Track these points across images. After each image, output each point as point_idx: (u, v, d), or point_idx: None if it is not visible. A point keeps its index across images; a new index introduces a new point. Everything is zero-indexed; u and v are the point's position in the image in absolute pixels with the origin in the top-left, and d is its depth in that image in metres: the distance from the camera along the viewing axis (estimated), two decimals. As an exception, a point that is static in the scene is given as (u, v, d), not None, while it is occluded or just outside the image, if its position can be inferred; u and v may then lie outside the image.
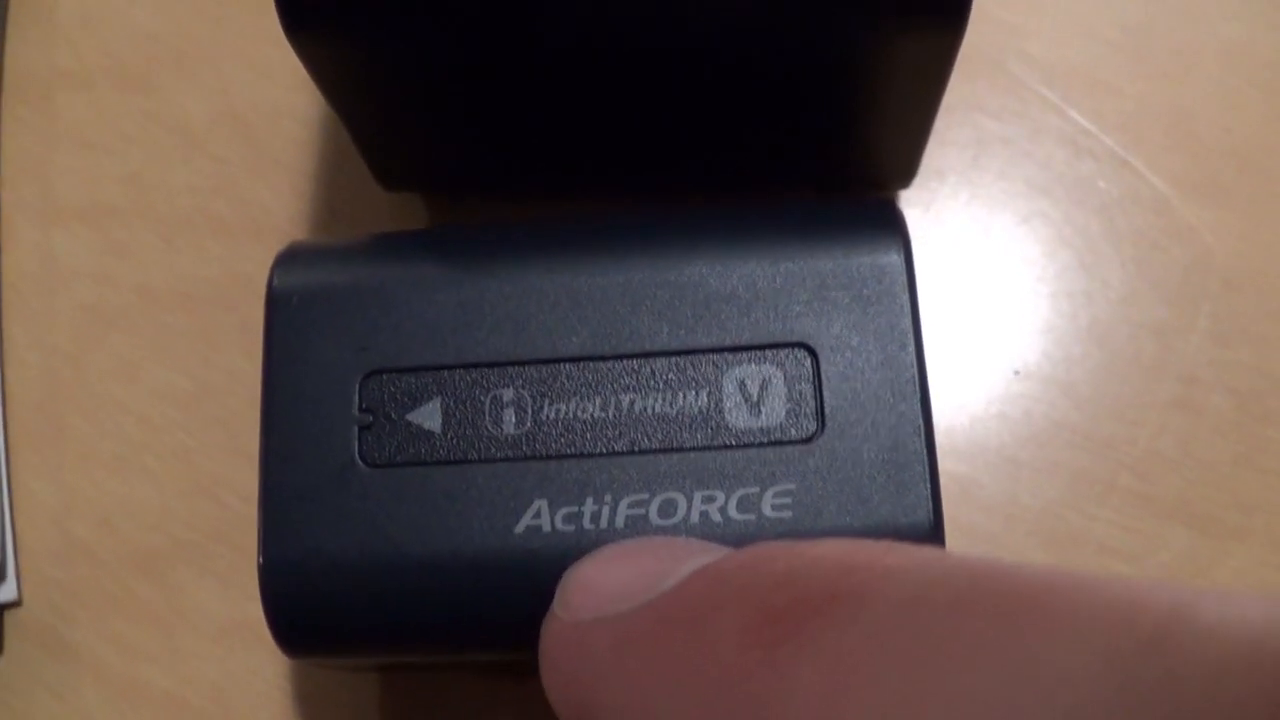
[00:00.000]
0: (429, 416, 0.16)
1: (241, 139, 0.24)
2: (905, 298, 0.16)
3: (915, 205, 0.23)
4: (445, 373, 0.16)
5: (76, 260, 0.24)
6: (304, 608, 0.16)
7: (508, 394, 0.16)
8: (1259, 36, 0.24)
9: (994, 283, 0.23)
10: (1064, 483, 0.22)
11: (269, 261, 0.23)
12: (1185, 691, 0.08)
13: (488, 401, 0.16)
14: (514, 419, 0.16)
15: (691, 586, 0.12)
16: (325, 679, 0.21)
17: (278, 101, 0.24)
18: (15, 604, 0.22)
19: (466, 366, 0.16)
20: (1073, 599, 0.09)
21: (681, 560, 0.13)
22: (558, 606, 0.13)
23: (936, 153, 0.23)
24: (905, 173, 0.22)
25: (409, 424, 0.16)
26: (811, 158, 0.21)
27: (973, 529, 0.22)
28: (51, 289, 0.24)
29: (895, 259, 0.17)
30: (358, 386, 0.16)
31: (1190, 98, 0.24)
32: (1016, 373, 0.22)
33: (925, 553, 0.11)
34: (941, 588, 0.10)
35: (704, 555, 0.13)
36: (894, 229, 0.17)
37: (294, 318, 0.17)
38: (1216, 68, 0.24)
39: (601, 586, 0.13)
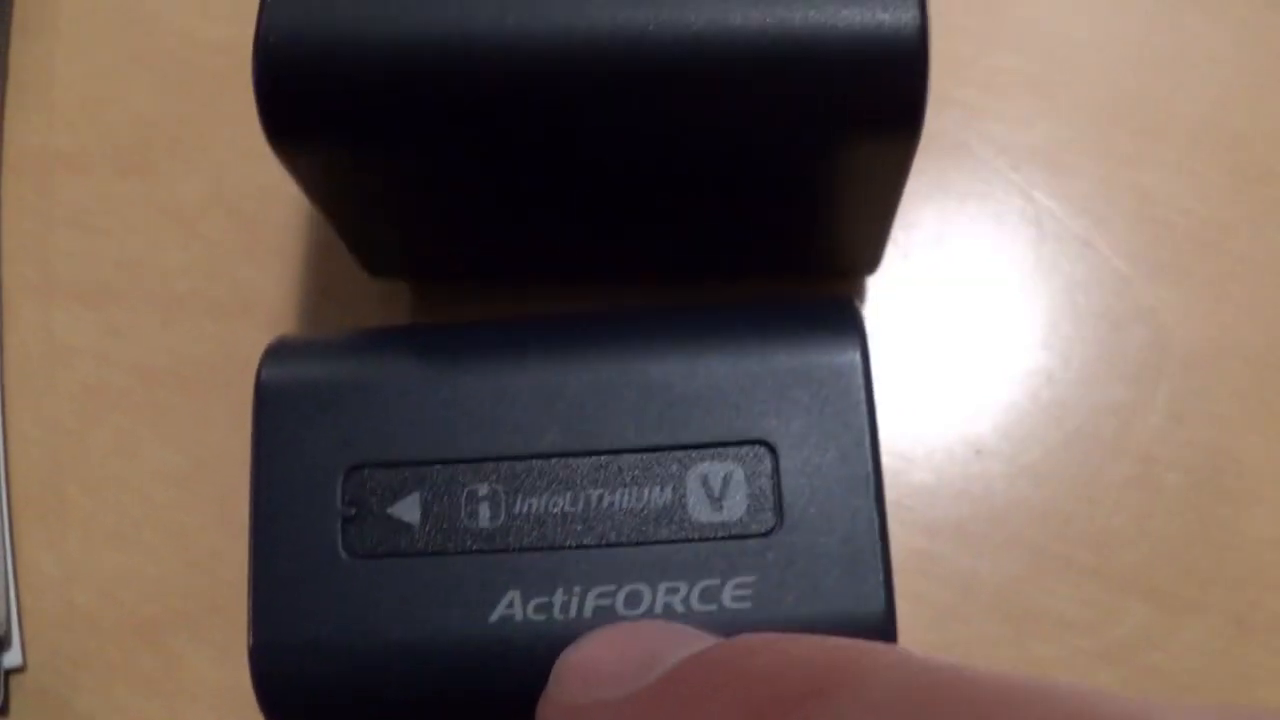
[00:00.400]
0: (408, 510, 0.17)
1: (234, 223, 0.25)
2: (861, 395, 0.17)
3: (880, 287, 0.24)
4: (424, 468, 0.17)
5: (77, 339, 0.24)
6: (292, 689, 0.17)
7: (483, 489, 0.17)
8: (1223, 116, 0.25)
9: (958, 362, 0.23)
10: (1023, 557, 0.22)
11: (261, 341, 0.24)
12: None
13: (464, 496, 0.17)
14: (489, 513, 0.17)
15: (678, 674, 0.12)
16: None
17: (269, 186, 0.25)
18: (20, 669, 0.23)
19: (444, 462, 0.17)
20: (1029, 712, 0.09)
21: (672, 647, 0.13)
22: (553, 689, 0.14)
23: (901, 235, 0.24)
24: (871, 260, 0.22)
25: (389, 517, 0.17)
26: (781, 249, 0.22)
27: (933, 602, 0.22)
28: (53, 368, 0.24)
29: (853, 358, 0.17)
30: (341, 480, 0.17)
31: (1152, 178, 0.24)
32: (978, 452, 0.23)
33: (896, 655, 0.11)
34: (910, 692, 0.10)
35: (693, 643, 0.13)
36: (851, 329, 0.17)
37: (281, 411, 0.17)
38: (1179, 148, 0.25)
39: (596, 670, 0.13)
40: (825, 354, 0.17)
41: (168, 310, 0.24)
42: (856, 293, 0.24)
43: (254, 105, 0.23)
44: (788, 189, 0.20)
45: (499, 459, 0.17)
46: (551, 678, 0.14)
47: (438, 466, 0.17)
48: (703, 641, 0.13)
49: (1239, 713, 0.10)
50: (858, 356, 0.17)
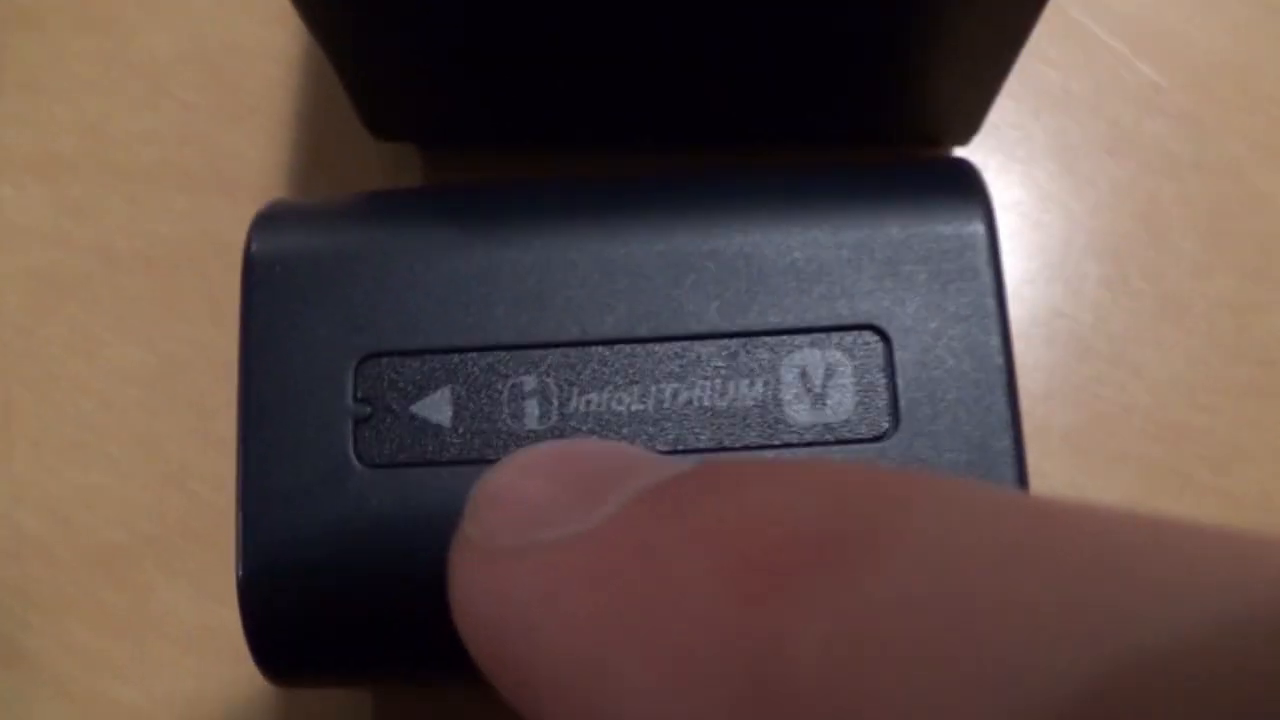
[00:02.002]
0: (437, 408, 0.14)
1: (212, 82, 0.21)
2: (989, 273, 0.14)
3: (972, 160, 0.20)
4: (456, 356, 0.14)
5: (26, 219, 0.20)
6: (290, 628, 0.14)
7: (530, 382, 0.14)
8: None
9: (1054, 252, 0.20)
10: (1135, 475, 0.19)
11: (244, 220, 0.20)
12: None
13: (506, 391, 0.14)
14: (537, 411, 0.14)
15: (642, 512, 0.09)
16: (312, 693, 0.18)
17: (253, 39, 0.21)
18: (-41, 607, 0.19)
19: (481, 349, 0.14)
20: (1172, 556, 0.07)
21: (622, 474, 0.10)
22: (469, 526, 0.10)
23: (995, 105, 0.20)
24: (967, 129, 0.19)
25: (413, 416, 0.14)
26: (865, 107, 0.18)
27: (1034, 527, 0.19)
28: None
29: (977, 228, 0.14)
30: (353, 372, 0.14)
31: (1268, 52, 0.21)
32: (1084, 351, 0.19)
33: (939, 481, 0.08)
34: (980, 528, 0.07)
35: (650, 470, 0.10)
36: (974, 193, 0.14)
37: (277, 289, 0.14)
38: (1297, 17, 0.21)
39: (523, 502, 0.10)
40: (946, 222, 0.14)
41: (132, 183, 0.20)
42: (944, 167, 0.20)
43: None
44: (895, 29, 0.16)
45: (549, 345, 0.14)
46: (466, 513, 0.10)
47: (472, 354, 0.14)
48: (659, 470, 0.10)
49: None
50: (983, 226, 0.14)
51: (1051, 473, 0.19)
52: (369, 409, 0.14)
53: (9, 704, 0.19)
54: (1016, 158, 0.20)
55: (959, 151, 0.20)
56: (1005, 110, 0.20)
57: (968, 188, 0.14)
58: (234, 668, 0.19)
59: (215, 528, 0.19)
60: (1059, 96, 0.20)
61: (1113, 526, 0.07)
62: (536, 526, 0.10)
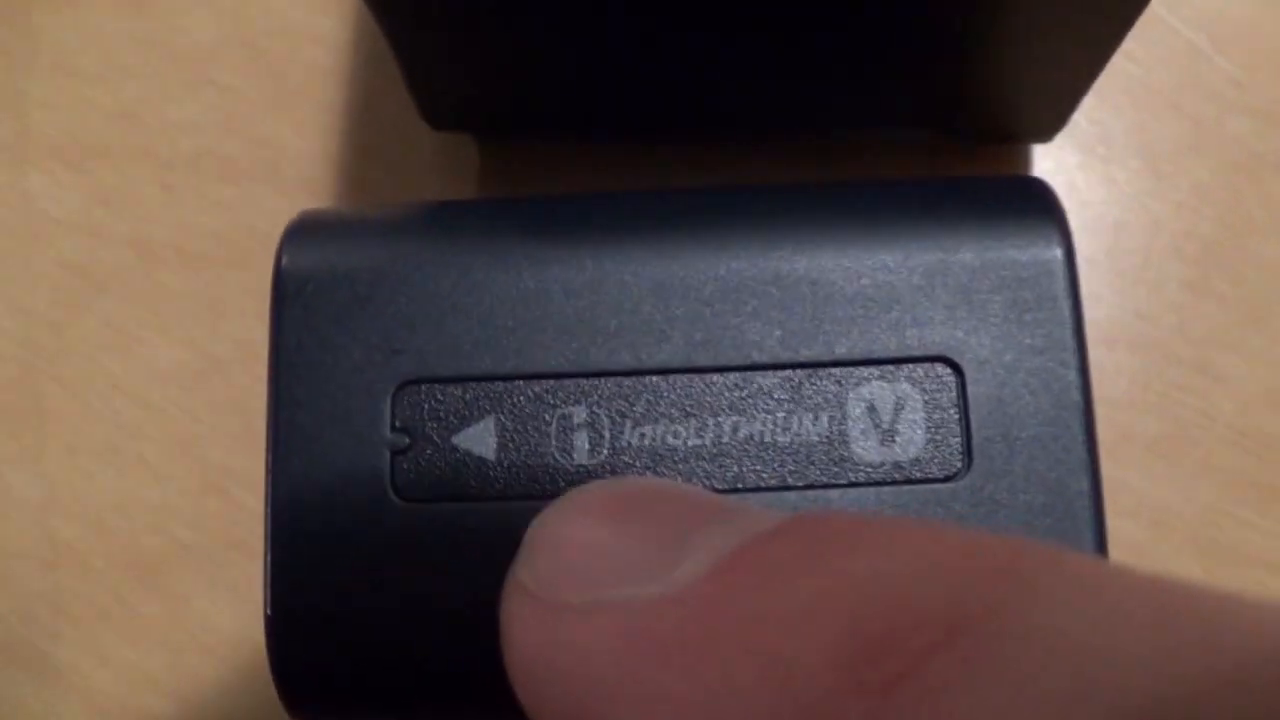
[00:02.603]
0: (480, 440, 0.13)
1: (255, 67, 0.20)
2: (1068, 302, 0.13)
3: (1047, 160, 0.19)
4: (501, 384, 0.13)
5: (58, 209, 0.20)
6: (319, 670, 0.13)
7: (579, 413, 0.13)
8: None
9: (1135, 254, 0.19)
10: (1218, 485, 0.18)
11: (288, 213, 0.19)
12: None
13: (555, 422, 0.13)
14: (587, 445, 0.13)
15: (739, 575, 0.08)
16: None
17: (299, 23, 0.20)
18: (-12, 617, 0.18)
19: (529, 377, 0.13)
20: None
21: (699, 523, 0.09)
22: (524, 573, 0.09)
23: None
24: (1052, 126, 0.18)
25: (455, 448, 0.13)
26: (947, 100, 0.17)
27: (1117, 537, 0.18)
28: (29, 244, 0.20)
29: (1055, 253, 0.13)
30: (390, 399, 0.13)
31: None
32: (1164, 355, 0.19)
33: (1076, 560, 0.08)
34: (1123, 613, 0.07)
35: (730, 518, 0.09)
36: (1051, 215, 0.13)
37: (309, 308, 0.13)
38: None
39: (586, 550, 0.09)
40: (1022, 247, 0.13)
41: (171, 173, 0.20)
42: (1021, 161, 0.19)
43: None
44: (984, 24, 0.15)
45: (600, 374, 0.13)
46: (521, 557, 0.10)
47: (519, 383, 0.13)
48: (748, 519, 0.09)
49: None
50: (1060, 251, 0.13)
51: (1133, 484, 0.18)
52: (407, 439, 0.13)
53: (39, 717, 0.18)
54: (1096, 155, 0.19)
55: (1040, 149, 0.19)
56: (1083, 106, 0.19)
57: (1043, 209, 0.14)
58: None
59: (256, 535, 0.18)
60: (1139, 93, 0.20)
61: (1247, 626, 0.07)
62: (605, 580, 0.09)
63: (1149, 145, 0.19)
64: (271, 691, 0.18)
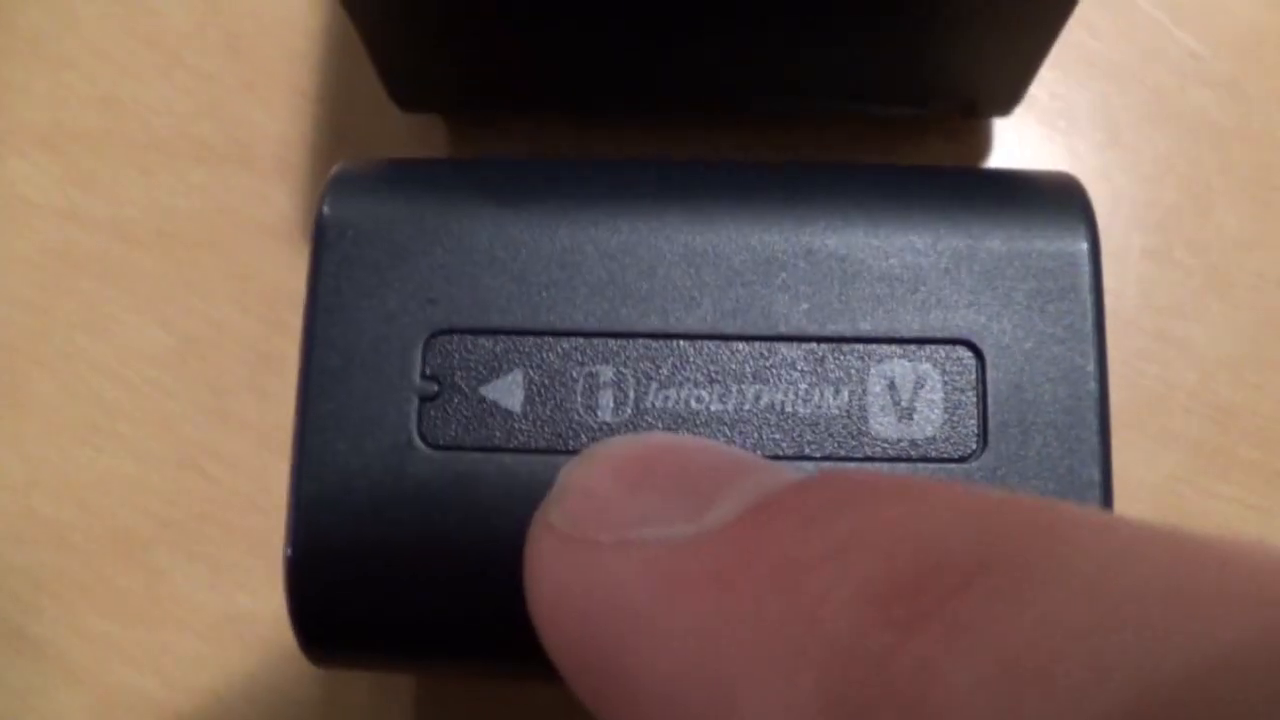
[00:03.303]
0: (508, 392, 0.13)
1: (230, 52, 0.20)
2: (1091, 295, 0.13)
3: (1009, 132, 0.19)
4: (532, 339, 0.13)
5: (36, 193, 0.20)
6: (337, 610, 0.13)
7: (606, 372, 0.13)
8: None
9: (1099, 223, 0.19)
10: (1180, 454, 0.18)
11: (262, 194, 0.19)
12: None
13: (581, 379, 0.13)
14: (611, 404, 0.13)
15: (775, 519, 0.09)
16: (332, 682, 0.18)
17: (271, 8, 0.20)
18: (-31, 593, 0.18)
19: (559, 334, 0.13)
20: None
21: (730, 476, 0.09)
22: (554, 514, 0.10)
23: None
24: (1009, 99, 0.18)
25: (483, 399, 0.13)
26: (907, 73, 0.17)
27: (1079, 507, 0.18)
28: (8, 227, 0.20)
29: (1081, 246, 0.14)
30: (422, 347, 0.13)
31: (1313, 17, 0.20)
32: (1125, 325, 0.19)
33: (1096, 513, 0.08)
34: (1129, 560, 0.07)
35: (759, 473, 0.09)
36: (1080, 210, 0.14)
37: (348, 256, 0.13)
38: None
39: (621, 500, 0.10)
40: (1049, 239, 0.14)
41: (147, 156, 0.20)
42: (983, 135, 0.19)
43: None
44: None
45: (630, 335, 0.13)
46: (551, 498, 0.10)
47: (549, 339, 0.13)
48: (778, 474, 0.09)
49: None
50: (1086, 245, 0.14)
51: None
52: (436, 387, 0.13)
53: (21, 694, 0.18)
54: (1058, 128, 0.19)
55: (1004, 123, 0.19)
56: (1046, 80, 0.19)
57: (1072, 204, 0.14)
58: (255, 657, 0.18)
59: (234, 512, 0.18)
60: (1101, 66, 0.20)
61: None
62: (636, 521, 0.09)
63: (1111, 117, 0.20)
64: (249, 663, 0.18)
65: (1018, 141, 0.19)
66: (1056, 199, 0.14)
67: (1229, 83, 0.20)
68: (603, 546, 0.09)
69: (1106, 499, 0.13)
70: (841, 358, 0.13)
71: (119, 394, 0.19)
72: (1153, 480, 0.18)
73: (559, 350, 0.13)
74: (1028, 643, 0.07)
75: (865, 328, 0.13)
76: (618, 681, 0.09)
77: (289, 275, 0.19)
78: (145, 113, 0.20)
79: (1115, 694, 0.06)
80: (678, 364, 0.13)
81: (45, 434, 0.19)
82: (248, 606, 0.18)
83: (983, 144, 0.19)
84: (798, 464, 0.13)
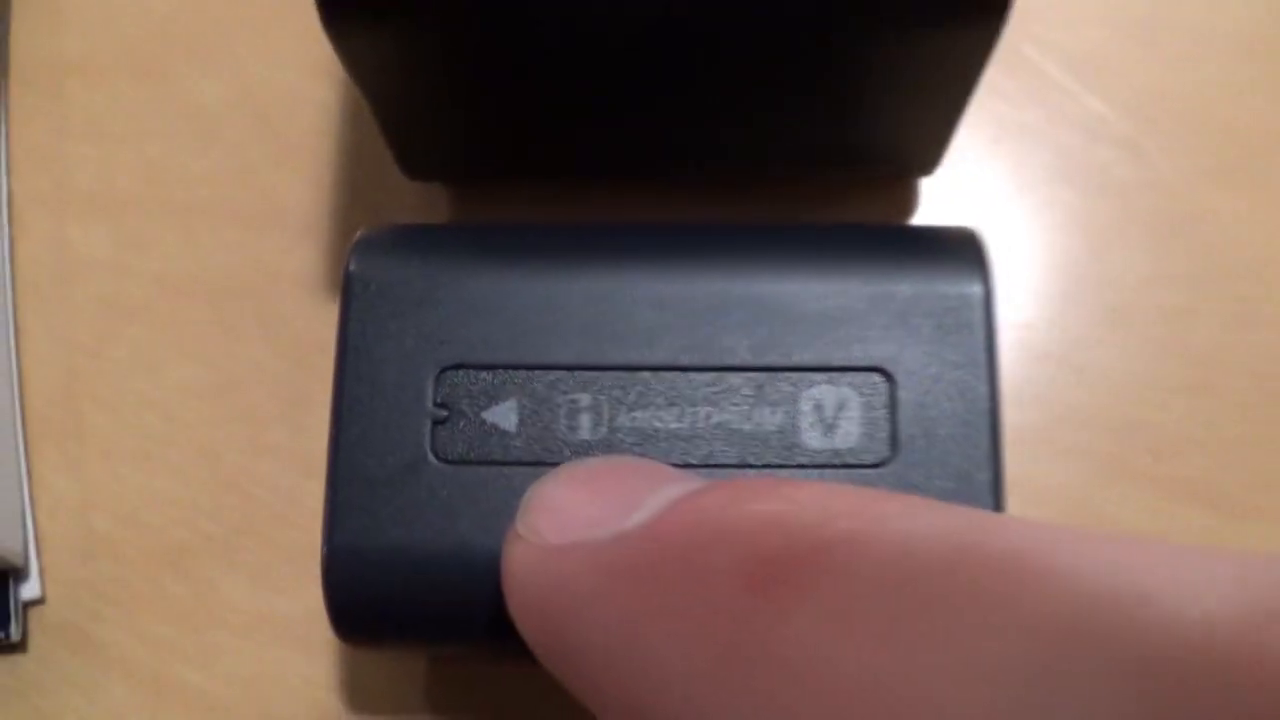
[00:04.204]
0: (504, 416, 0.15)
1: (259, 126, 0.22)
2: (984, 330, 0.16)
3: (936, 190, 0.22)
4: (523, 373, 0.16)
5: (92, 252, 0.22)
6: (365, 597, 0.15)
7: (585, 399, 0.15)
8: (1271, 21, 0.23)
9: (1013, 267, 0.22)
10: (1085, 465, 0.21)
11: (288, 251, 0.22)
12: (1172, 685, 0.07)
13: (564, 405, 0.15)
14: (589, 424, 0.15)
15: (676, 518, 0.11)
16: (360, 672, 0.20)
17: (295, 88, 0.22)
18: (39, 601, 0.21)
19: (545, 368, 0.16)
20: (1057, 563, 0.08)
21: (650, 487, 0.12)
22: (521, 527, 0.12)
23: (956, 136, 0.22)
24: (931, 160, 0.20)
25: (484, 422, 0.15)
26: (842, 142, 0.20)
27: (999, 512, 0.21)
28: (67, 281, 0.22)
29: (977, 290, 0.16)
30: (434, 380, 0.15)
31: (1203, 82, 0.23)
32: (1035, 357, 0.21)
33: (908, 499, 0.10)
34: (929, 537, 0.09)
35: (673, 484, 0.12)
36: (977, 259, 0.16)
37: (372, 304, 0.16)
38: (1229, 51, 0.23)
39: (570, 510, 0.12)
40: (950, 283, 0.16)
41: (189, 219, 0.22)
42: (911, 193, 0.22)
43: (277, 2, 0.21)
44: (858, 78, 0.18)
45: (604, 368, 0.16)
46: (520, 513, 0.12)
47: (538, 372, 0.16)
48: (686, 483, 0.12)
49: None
50: (981, 288, 0.16)
51: (1010, 465, 0.20)
52: (446, 413, 0.15)
53: (84, 687, 0.20)
54: (978, 184, 0.22)
55: (926, 181, 0.22)
56: (966, 141, 0.22)
57: (971, 254, 0.16)
58: (288, 651, 0.20)
59: (269, 526, 0.21)
60: (1014, 129, 0.22)
61: (1009, 543, 0.09)
62: (580, 527, 0.11)
63: (1023, 174, 0.22)
64: (283, 657, 0.20)
65: (940, 197, 0.22)
66: (957, 249, 0.16)
67: (1129, 140, 0.22)
68: (556, 549, 0.11)
69: (998, 497, 0.15)
70: (778, 384, 0.15)
71: (167, 426, 0.21)
72: (1061, 488, 0.21)
73: (546, 381, 0.15)
74: (850, 597, 0.09)
75: (798, 359, 0.15)
76: (570, 658, 0.11)
77: (315, 322, 0.21)
78: (186, 180, 0.22)
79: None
80: (644, 391, 0.15)
81: (103, 462, 0.21)
82: (282, 608, 0.20)
83: (910, 200, 0.22)
84: (741, 471, 0.15)
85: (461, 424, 0.15)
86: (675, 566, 0.10)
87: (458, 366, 0.16)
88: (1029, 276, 0.22)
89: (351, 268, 0.16)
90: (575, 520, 0.12)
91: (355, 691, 0.20)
